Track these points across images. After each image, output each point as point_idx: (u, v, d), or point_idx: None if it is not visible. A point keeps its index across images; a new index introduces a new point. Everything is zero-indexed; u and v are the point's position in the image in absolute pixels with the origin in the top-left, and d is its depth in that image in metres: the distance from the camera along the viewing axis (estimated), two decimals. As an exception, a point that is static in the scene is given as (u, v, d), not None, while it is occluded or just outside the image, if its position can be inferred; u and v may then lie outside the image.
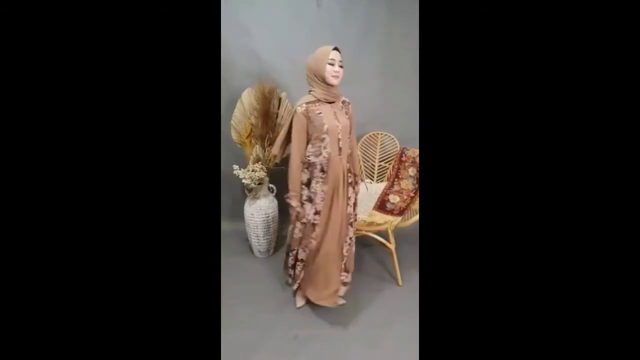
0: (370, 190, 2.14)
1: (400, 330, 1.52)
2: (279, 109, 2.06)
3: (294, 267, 1.65)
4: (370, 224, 1.92)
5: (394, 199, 2.08)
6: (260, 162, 2.01)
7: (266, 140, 2.03)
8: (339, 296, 1.62)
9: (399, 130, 2.22)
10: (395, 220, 1.89)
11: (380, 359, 1.40)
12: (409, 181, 2.11)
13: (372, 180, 2.22)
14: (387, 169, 2.21)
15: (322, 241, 1.53)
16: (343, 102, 1.51)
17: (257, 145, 2.04)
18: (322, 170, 1.45)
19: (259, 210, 2.05)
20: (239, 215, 2.17)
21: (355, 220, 1.64)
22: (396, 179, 2.15)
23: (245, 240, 2.24)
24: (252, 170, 1.95)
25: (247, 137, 2.05)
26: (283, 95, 2.08)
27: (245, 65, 2.18)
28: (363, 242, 2.28)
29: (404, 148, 2.18)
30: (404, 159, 2.16)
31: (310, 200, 1.48)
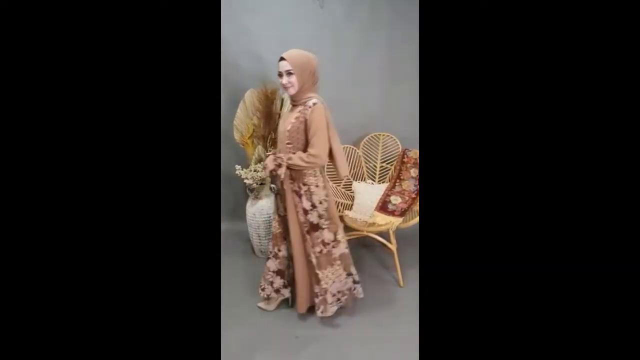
0: (367, 192, 2.14)
1: (402, 331, 1.52)
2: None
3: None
4: (372, 224, 1.92)
5: (395, 200, 2.08)
6: (262, 162, 2.01)
7: (268, 141, 2.04)
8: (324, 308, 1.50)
9: (401, 131, 2.21)
10: (396, 221, 1.89)
11: (381, 359, 1.40)
12: (410, 182, 2.11)
13: (374, 181, 2.22)
14: (389, 170, 2.21)
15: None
16: (305, 104, 1.37)
17: (259, 146, 2.05)
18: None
19: (260, 211, 2.05)
20: (241, 215, 2.18)
21: (314, 227, 1.47)
22: (398, 180, 2.15)
23: (247, 240, 2.24)
24: (254, 171, 1.96)
25: (249, 138, 2.06)
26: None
27: (248, 66, 2.19)
28: (364, 243, 2.28)
29: (405, 149, 2.17)
30: (405, 160, 2.16)
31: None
